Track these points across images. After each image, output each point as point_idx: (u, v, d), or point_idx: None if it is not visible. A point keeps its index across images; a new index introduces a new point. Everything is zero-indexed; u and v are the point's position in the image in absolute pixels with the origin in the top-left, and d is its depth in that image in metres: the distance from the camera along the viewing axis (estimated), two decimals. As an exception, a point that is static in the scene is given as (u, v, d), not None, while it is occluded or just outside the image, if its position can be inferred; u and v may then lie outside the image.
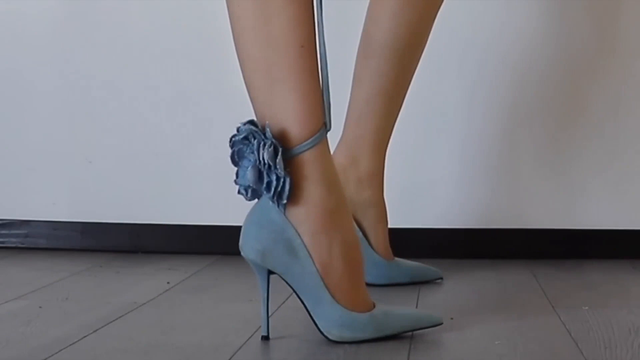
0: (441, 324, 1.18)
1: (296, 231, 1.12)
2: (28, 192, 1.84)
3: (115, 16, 1.80)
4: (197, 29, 1.79)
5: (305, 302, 1.14)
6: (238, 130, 1.13)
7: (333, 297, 1.13)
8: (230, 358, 1.08)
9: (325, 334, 1.13)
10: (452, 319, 1.26)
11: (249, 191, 1.13)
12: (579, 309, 1.31)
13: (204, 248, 1.78)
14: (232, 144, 1.13)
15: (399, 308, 1.19)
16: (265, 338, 1.16)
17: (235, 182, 1.14)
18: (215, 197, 1.79)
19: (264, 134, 1.10)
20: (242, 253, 1.15)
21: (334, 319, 1.13)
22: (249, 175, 1.11)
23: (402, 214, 1.73)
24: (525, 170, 1.75)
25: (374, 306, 1.16)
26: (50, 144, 1.83)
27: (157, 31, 1.80)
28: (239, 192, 1.14)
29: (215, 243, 1.77)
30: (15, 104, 1.84)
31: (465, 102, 1.75)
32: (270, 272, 1.14)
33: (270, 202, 1.12)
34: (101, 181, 1.82)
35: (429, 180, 1.75)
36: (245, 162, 1.12)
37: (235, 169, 1.14)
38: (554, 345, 1.14)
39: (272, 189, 1.10)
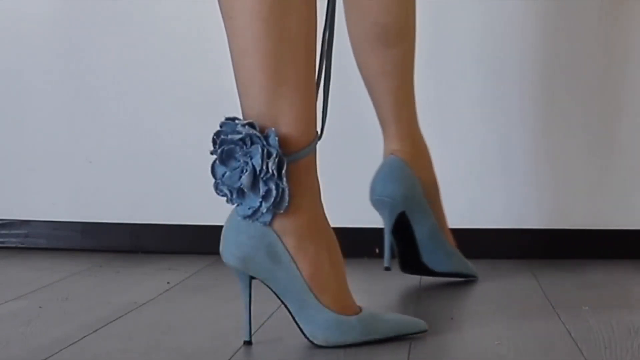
0: (426, 330, 1.16)
1: (278, 236, 1.11)
2: (28, 192, 1.84)
3: (116, 16, 1.80)
4: (198, 30, 1.79)
5: (289, 307, 1.12)
6: (222, 126, 1.10)
7: (319, 300, 1.11)
8: (230, 358, 1.08)
9: (310, 338, 1.12)
10: (452, 319, 1.26)
11: (235, 193, 1.10)
12: (579, 309, 1.31)
13: (204, 248, 1.77)
14: (221, 142, 1.10)
15: (385, 313, 1.17)
16: (248, 343, 1.14)
17: (216, 179, 1.12)
18: (215, 197, 1.77)
19: (267, 141, 1.07)
20: (222, 259, 1.13)
21: (319, 322, 1.11)
22: (245, 180, 1.08)
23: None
24: (525, 170, 1.75)
25: (361, 310, 1.14)
26: (50, 144, 1.83)
27: (158, 31, 1.80)
28: (217, 190, 1.12)
29: (215, 243, 1.75)
30: (15, 104, 1.84)
31: (468, 103, 1.75)
32: (252, 277, 1.13)
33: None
34: (101, 181, 1.82)
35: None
36: (234, 163, 1.10)
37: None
38: (554, 345, 1.14)
39: (272, 198, 1.08)
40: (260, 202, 1.09)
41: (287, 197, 1.08)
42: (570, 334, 1.18)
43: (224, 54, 1.81)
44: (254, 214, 1.10)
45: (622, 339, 1.15)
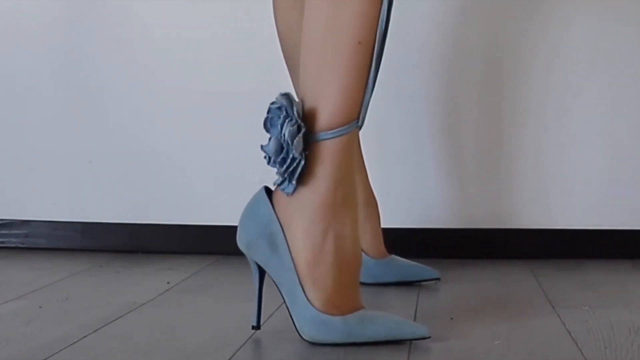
0: (427, 337, 1.13)
1: (281, 226, 1.13)
2: (28, 192, 1.84)
3: (116, 17, 1.80)
4: (196, 31, 1.79)
5: (284, 298, 1.14)
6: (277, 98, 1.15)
7: (307, 295, 1.12)
8: (230, 358, 1.08)
9: (299, 331, 1.13)
10: (452, 319, 1.26)
11: (272, 160, 1.14)
12: (579, 309, 1.31)
13: (204, 248, 1.78)
14: (268, 110, 1.14)
15: (385, 316, 1.15)
16: (255, 328, 1.17)
17: (261, 147, 1.15)
18: (215, 197, 1.79)
19: (292, 110, 1.11)
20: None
21: (305, 317, 1.12)
22: (271, 145, 1.12)
23: (402, 214, 1.74)
24: (524, 170, 1.75)
25: (358, 310, 1.14)
26: (50, 144, 1.83)
27: (159, 32, 1.80)
28: (265, 157, 1.16)
29: (215, 243, 1.77)
30: (16, 104, 1.84)
31: (465, 103, 1.75)
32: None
33: (264, 195, 1.15)
34: (101, 181, 1.82)
35: (429, 181, 1.75)
36: (273, 131, 1.14)
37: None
38: (554, 345, 1.14)
39: (285, 165, 1.12)
40: (279, 170, 1.13)
41: (299, 169, 1.11)
42: (570, 334, 1.18)
43: (224, 56, 1.82)
44: (282, 183, 1.14)
45: (622, 339, 1.15)
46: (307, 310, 1.12)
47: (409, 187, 1.76)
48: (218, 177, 1.78)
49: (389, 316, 1.15)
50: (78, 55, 1.82)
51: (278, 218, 1.14)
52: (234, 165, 1.78)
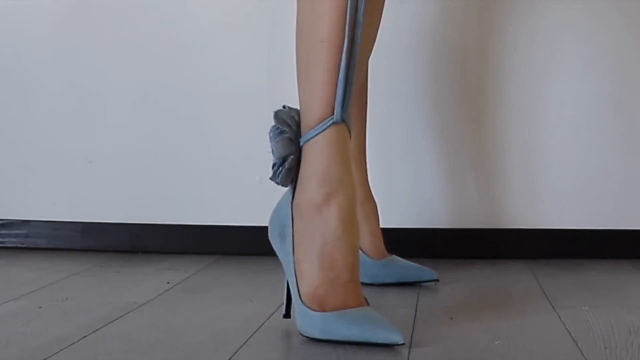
0: (401, 344, 1.10)
1: (292, 220, 1.17)
2: (28, 192, 1.84)
3: (116, 16, 1.80)
4: (197, 31, 1.79)
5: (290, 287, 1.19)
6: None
7: (298, 288, 1.15)
8: (230, 358, 1.08)
9: (296, 320, 1.16)
10: (452, 318, 1.26)
11: None
12: (579, 309, 1.31)
13: (204, 248, 1.78)
14: None
15: (369, 317, 1.13)
16: (285, 316, 1.21)
17: None
18: (215, 197, 1.79)
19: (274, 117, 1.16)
20: None
21: (296, 309, 1.16)
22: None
23: (402, 214, 1.74)
24: (525, 171, 1.75)
25: (350, 307, 1.14)
26: (50, 144, 1.83)
27: (158, 32, 1.80)
28: None
29: (215, 243, 1.77)
30: (16, 104, 1.84)
31: (465, 103, 1.75)
32: None
33: (289, 190, 1.18)
34: (101, 181, 1.82)
35: (429, 181, 1.75)
36: None
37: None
38: (554, 345, 1.14)
39: (273, 168, 1.16)
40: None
41: (280, 169, 1.15)
42: (570, 334, 1.18)
43: (224, 56, 1.81)
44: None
45: (622, 339, 1.15)
46: (297, 302, 1.16)
47: (408, 187, 1.76)
48: (218, 177, 1.78)
49: (371, 318, 1.13)
50: (78, 55, 1.82)
51: (292, 214, 1.17)
52: (234, 165, 1.78)
